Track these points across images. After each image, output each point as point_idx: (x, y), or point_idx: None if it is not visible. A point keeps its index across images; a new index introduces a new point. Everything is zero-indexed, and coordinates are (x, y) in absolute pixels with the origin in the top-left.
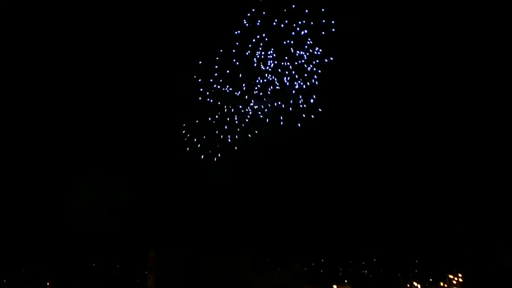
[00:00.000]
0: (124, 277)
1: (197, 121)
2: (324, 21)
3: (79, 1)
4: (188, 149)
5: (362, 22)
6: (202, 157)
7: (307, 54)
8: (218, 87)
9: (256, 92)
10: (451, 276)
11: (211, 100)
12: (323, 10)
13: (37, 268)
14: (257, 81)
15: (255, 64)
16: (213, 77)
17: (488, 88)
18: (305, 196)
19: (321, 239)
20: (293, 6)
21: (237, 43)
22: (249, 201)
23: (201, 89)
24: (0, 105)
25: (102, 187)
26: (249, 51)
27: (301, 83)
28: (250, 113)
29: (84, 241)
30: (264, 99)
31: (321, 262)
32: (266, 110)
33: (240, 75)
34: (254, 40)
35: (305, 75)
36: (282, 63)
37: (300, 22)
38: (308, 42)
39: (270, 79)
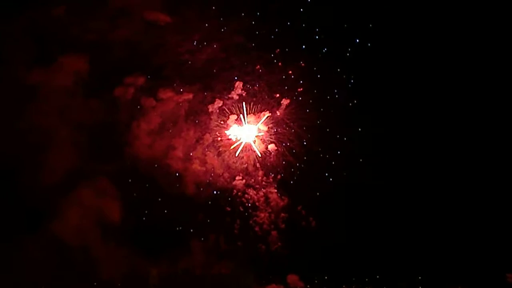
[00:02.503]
0: None
1: None
2: None
3: None
4: None
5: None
6: None
7: None
8: None
9: None
10: None
11: None
12: None
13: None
14: None
15: None
16: None
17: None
18: (309, 212)
19: (324, 256)
20: None
21: None
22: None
23: None
24: None
25: (100, 206)
26: None
27: None
28: None
29: (85, 260)
30: None
31: (324, 279)
32: None
33: None
34: None
35: None
36: None
37: None
38: None
39: None
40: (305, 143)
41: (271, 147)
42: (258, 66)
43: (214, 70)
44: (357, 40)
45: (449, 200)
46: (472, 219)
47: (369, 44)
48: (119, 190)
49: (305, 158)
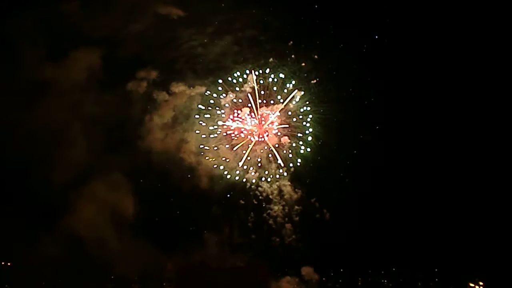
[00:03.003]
0: None
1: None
2: None
3: None
4: None
5: None
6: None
7: None
8: None
9: None
10: (472, 285)
11: None
12: None
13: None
14: None
15: None
16: None
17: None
18: (323, 204)
19: (339, 248)
20: None
21: None
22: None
23: None
24: None
25: (114, 200)
26: None
27: None
28: None
29: (100, 254)
30: None
31: (340, 272)
32: None
33: None
34: None
35: None
36: None
37: None
38: None
39: None
40: (317, 135)
41: (284, 139)
42: (271, 59)
43: (227, 63)
44: (376, 36)
45: (465, 193)
46: (489, 212)
47: (386, 40)
48: (133, 184)
49: (318, 150)
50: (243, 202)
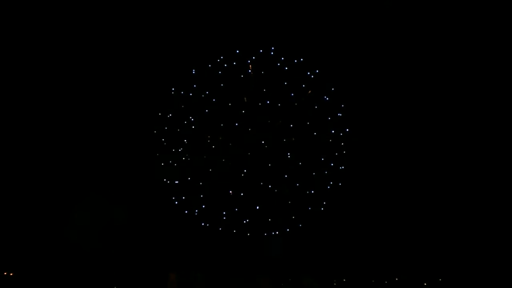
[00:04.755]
0: None
1: None
2: None
3: None
4: None
5: None
6: None
7: None
8: None
9: None
10: None
11: None
12: None
13: None
14: None
15: None
16: None
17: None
18: (326, 213)
19: (342, 258)
20: None
21: None
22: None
23: None
24: None
25: (119, 209)
26: None
27: None
28: None
29: (103, 264)
30: None
31: (342, 282)
32: None
33: None
34: None
35: None
36: None
37: None
38: None
39: None
40: (314, 146)
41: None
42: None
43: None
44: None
45: (467, 203)
46: (493, 222)
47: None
48: (134, 193)
49: (315, 159)
50: (241, 211)
